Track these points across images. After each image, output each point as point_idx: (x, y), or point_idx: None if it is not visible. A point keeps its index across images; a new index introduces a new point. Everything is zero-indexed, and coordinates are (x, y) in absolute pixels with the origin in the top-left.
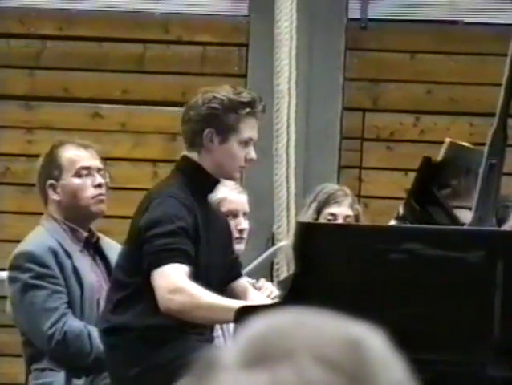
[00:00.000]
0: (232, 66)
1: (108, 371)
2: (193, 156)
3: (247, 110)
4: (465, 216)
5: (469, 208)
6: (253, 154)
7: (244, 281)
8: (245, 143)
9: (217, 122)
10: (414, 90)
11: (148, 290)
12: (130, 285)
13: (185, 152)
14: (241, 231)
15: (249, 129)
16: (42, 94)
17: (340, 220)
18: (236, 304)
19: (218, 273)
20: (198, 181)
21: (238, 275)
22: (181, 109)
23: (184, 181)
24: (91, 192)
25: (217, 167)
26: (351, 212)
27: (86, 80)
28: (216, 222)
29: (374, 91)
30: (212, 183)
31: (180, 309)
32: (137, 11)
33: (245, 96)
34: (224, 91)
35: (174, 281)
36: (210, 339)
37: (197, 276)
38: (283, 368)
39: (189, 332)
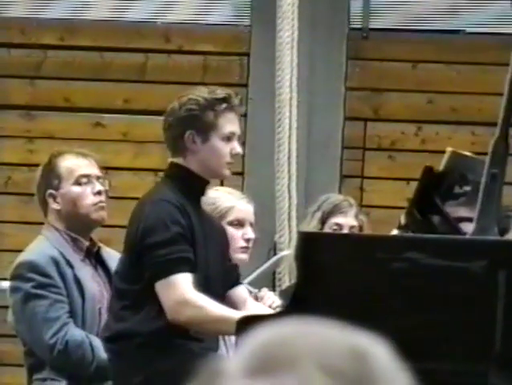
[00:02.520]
0: (233, 75)
1: (112, 380)
2: (179, 161)
3: (224, 105)
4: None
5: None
6: (238, 149)
7: (243, 290)
8: (228, 138)
9: (196, 122)
10: (416, 99)
11: (149, 297)
12: (130, 293)
13: (171, 159)
14: (247, 240)
15: (228, 124)
16: (43, 103)
17: (345, 231)
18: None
19: (216, 279)
20: (188, 185)
21: (236, 283)
22: None
23: (175, 186)
24: (91, 199)
25: (204, 167)
26: (355, 223)
27: (87, 90)
28: (211, 227)
29: (375, 100)
30: (202, 184)
31: (188, 321)
32: (139, 21)
33: (220, 93)
34: (198, 92)
35: (182, 294)
36: (214, 348)
37: (196, 282)
38: (288, 377)
39: (192, 339)
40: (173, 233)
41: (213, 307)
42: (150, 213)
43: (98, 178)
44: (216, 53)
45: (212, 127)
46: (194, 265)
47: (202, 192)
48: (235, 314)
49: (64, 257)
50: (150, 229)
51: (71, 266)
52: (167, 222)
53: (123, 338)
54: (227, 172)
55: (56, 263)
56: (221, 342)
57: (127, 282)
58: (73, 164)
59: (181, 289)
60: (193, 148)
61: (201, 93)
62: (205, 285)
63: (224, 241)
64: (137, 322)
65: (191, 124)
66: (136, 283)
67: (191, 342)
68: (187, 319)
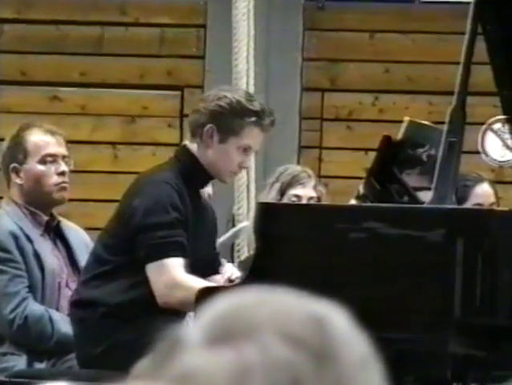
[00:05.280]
0: (190, 47)
1: (75, 348)
2: (193, 147)
3: (253, 118)
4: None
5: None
6: (248, 163)
7: (218, 277)
8: (244, 150)
9: (222, 121)
10: (372, 69)
11: (126, 271)
12: (110, 262)
13: (187, 142)
14: None
15: (250, 137)
16: (0, 77)
17: (304, 202)
18: None
19: (201, 266)
20: (193, 173)
21: (217, 271)
22: (140, 91)
23: (180, 170)
24: (55, 179)
25: (210, 163)
26: (314, 194)
27: (44, 63)
28: (204, 215)
29: (332, 70)
30: (206, 178)
31: (179, 303)
32: None
33: (256, 105)
34: (237, 94)
35: (172, 276)
36: (180, 322)
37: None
38: (248, 345)
39: (157, 314)
40: (172, 217)
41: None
42: (151, 193)
43: (63, 157)
44: (172, 25)
45: (233, 133)
46: (186, 251)
47: (204, 184)
48: None
49: (23, 231)
50: (149, 209)
51: (31, 241)
52: (166, 205)
53: (89, 305)
54: (229, 180)
55: (15, 238)
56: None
57: (110, 252)
58: (40, 140)
59: (173, 272)
60: (208, 142)
61: (239, 97)
62: (192, 269)
63: (214, 229)
64: (107, 292)
65: (215, 120)
66: (119, 255)
67: (155, 317)
68: (178, 301)
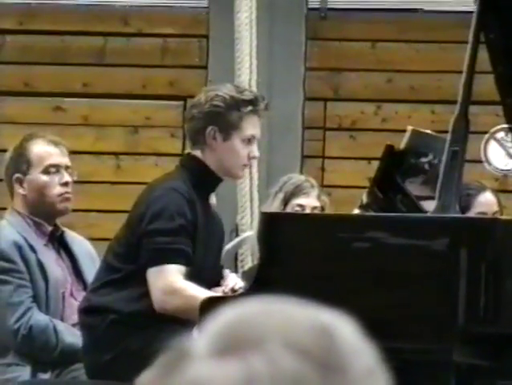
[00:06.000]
0: (193, 57)
1: (83, 355)
2: (197, 153)
3: (249, 108)
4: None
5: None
6: (256, 152)
7: (220, 290)
8: (248, 140)
9: (220, 120)
10: (375, 78)
11: (136, 280)
12: (121, 270)
13: (189, 150)
14: None
15: (251, 127)
16: (3, 88)
17: (308, 212)
18: None
19: (209, 275)
20: (201, 178)
21: (218, 283)
22: (143, 101)
23: (188, 177)
24: (58, 190)
25: (220, 165)
26: (318, 204)
27: (47, 74)
28: (213, 224)
29: (335, 80)
30: (215, 181)
31: (175, 310)
32: (97, 4)
33: (248, 94)
34: (226, 89)
35: (171, 283)
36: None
37: (191, 276)
38: (255, 356)
39: (167, 322)
40: (177, 224)
41: (203, 295)
42: (159, 200)
43: (67, 168)
44: (175, 35)
45: (234, 128)
46: (190, 260)
47: (213, 189)
48: None
49: (27, 241)
50: (155, 216)
51: (34, 251)
52: (173, 212)
53: (99, 311)
54: (242, 174)
55: (19, 248)
56: None
57: (120, 260)
58: (44, 151)
59: (171, 279)
60: (213, 144)
61: (230, 91)
62: (199, 278)
63: (222, 238)
64: (117, 300)
65: (214, 121)
66: (128, 263)
67: (165, 326)
68: (174, 309)
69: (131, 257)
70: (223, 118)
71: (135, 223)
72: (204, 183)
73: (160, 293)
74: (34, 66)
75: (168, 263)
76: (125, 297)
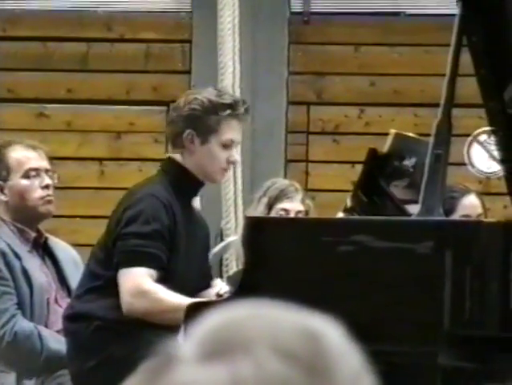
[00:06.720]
0: (176, 62)
1: (68, 362)
2: (177, 157)
3: (228, 111)
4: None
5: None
6: (235, 156)
7: (212, 292)
8: (227, 145)
9: (198, 123)
10: (358, 82)
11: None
12: (103, 276)
13: (170, 154)
14: None
15: (230, 131)
16: None
17: (292, 216)
18: None
19: (194, 280)
20: (182, 182)
21: (208, 285)
22: (126, 107)
23: (169, 181)
24: (39, 193)
25: (199, 168)
26: (302, 208)
27: (30, 80)
28: (197, 228)
29: (318, 84)
30: (196, 185)
31: (142, 313)
32: (80, 10)
33: (227, 98)
34: (206, 93)
35: (137, 285)
36: (173, 337)
37: (173, 281)
38: (241, 360)
39: (151, 328)
40: (152, 228)
41: (169, 297)
42: (136, 205)
43: (47, 171)
44: (158, 40)
45: (212, 131)
46: (163, 265)
47: (195, 192)
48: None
49: (11, 248)
50: (131, 220)
51: (19, 258)
52: (149, 217)
53: (83, 318)
54: (221, 178)
55: (3, 255)
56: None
57: (101, 266)
58: (22, 156)
59: (138, 281)
60: (191, 148)
61: (209, 95)
62: (183, 283)
63: (207, 243)
64: (101, 307)
65: (192, 124)
66: (109, 269)
67: (149, 331)
68: (140, 311)
69: (108, 263)
70: (201, 121)
71: (112, 228)
72: (184, 187)
73: (127, 296)
74: (17, 73)
75: (138, 266)
76: (109, 304)
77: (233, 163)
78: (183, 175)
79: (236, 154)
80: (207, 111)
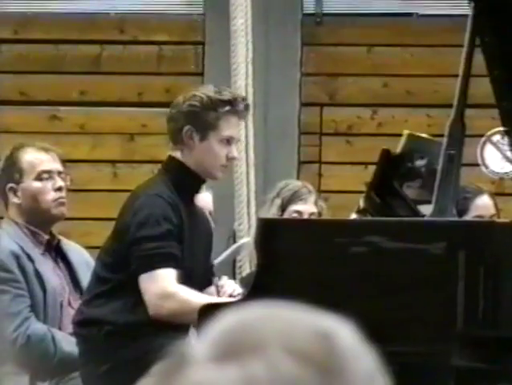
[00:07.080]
0: (188, 64)
1: (79, 368)
2: (177, 154)
3: (227, 108)
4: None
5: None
6: (234, 153)
7: (212, 289)
8: (226, 141)
9: (197, 120)
10: (371, 83)
11: (128, 289)
12: (111, 280)
13: (170, 152)
14: None
15: (229, 128)
16: None
17: (305, 217)
18: None
19: (198, 276)
20: (184, 180)
21: (210, 283)
22: (139, 109)
23: (170, 180)
24: (52, 195)
25: (198, 165)
26: (315, 210)
27: (43, 83)
28: (200, 225)
29: (331, 85)
30: (197, 182)
31: (170, 315)
32: (92, 12)
33: (226, 94)
34: (205, 90)
35: (164, 287)
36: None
37: (181, 277)
38: (254, 361)
39: (162, 331)
40: (163, 229)
41: (196, 298)
42: (143, 207)
43: (59, 173)
44: (171, 42)
45: (211, 128)
46: (179, 263)
47: (197, 190)
48: (219, 301)
49: (24, 251)
50: (141, 223)
51: (32, 260)
52: (159, 218)
53: (94, 324)
54: (220, 174)
55: (16, 257)
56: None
57: (109, 271)
58: (35, 158)
59: (164, 283)
60: (190, 144)
61: (208, 91)
62: (189, 281)
63: (210, 240)
64: (111, 311)
65: (191, 121)
66: (118, 272)
67: (161, 335)
68: (168, 313)
69: (119, 267)
70: (199, 118)
71: (121, 232)
72: (186, 185)
73: (155, 298)
74: (29, 75)
75: (159, 268)
76: (119, 307)
77: (233, 159)
78: (184, 172)
79: (235, 151)
80: (206, 107)
